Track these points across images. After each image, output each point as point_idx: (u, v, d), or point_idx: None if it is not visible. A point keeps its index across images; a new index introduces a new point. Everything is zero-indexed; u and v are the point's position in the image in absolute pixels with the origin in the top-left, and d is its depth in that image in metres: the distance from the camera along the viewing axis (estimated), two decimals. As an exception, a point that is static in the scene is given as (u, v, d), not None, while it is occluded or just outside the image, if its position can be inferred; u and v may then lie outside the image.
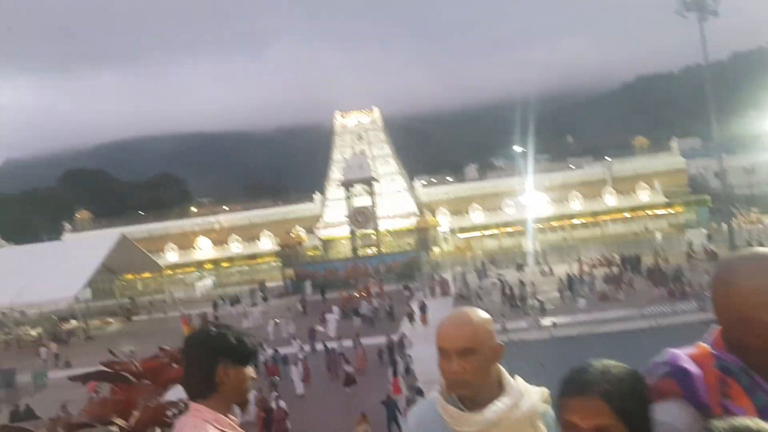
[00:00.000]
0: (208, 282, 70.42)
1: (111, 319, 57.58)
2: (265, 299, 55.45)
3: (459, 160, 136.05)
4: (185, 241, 77.32)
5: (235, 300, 56.32)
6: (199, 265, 75.69)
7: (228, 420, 2.48)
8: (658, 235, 62.57)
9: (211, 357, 2.45)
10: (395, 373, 26.76)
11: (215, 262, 75.50)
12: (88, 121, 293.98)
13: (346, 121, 79.33)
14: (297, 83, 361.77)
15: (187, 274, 75.17)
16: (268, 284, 63.14)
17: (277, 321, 41.80)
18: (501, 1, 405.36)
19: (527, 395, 2.46)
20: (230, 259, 75.75)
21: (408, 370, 26.70)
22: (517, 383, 2.49)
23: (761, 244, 47.05)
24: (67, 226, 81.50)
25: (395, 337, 32.46)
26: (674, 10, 34.60)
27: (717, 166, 74.98)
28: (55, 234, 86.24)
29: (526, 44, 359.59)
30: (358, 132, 78.62)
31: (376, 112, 79.64)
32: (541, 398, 2.49)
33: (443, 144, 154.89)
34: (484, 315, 2.46)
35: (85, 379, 3.59)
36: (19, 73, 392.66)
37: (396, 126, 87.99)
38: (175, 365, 3.47)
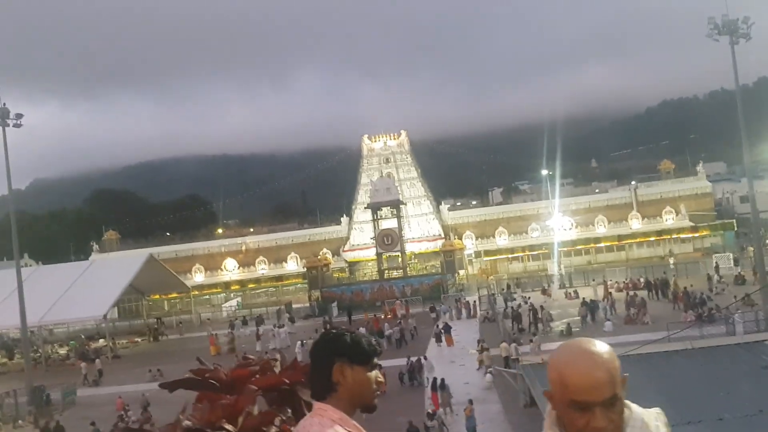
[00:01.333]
0: (234, 303, 70.86)
1: (138, 339, 58.11)
2: (291, 320, 55.69)
3: (484, 183, 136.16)
4: (212, 262, 78.03)
5: (259, 320, 56.61)
6: (225, 286, 76.31)
7: (353, 422, 2.46)
8: (671, 260, 61.97)
9: (328, 356, 2.50)
10: (434, 389, 27.24)
11: (242, 283, 76.06)
12: (116, 143, 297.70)
13: (374, 145, 80.00)
14: (323, 107, 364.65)
15: (214, 294, 75.81)
16: (295, 306, 63.46)
17: (304, 342, 41.95)
18: (525, 27, 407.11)
19: (652, 427, 2.07)
20: (257, 281, 76.26)
21: (443, 386, 27.09)
22: (634, 412, 2.05)
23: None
24: (95, 246, 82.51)
25: (414, 359, 32.57)
26: (706, 33, 34.61)
27: (743, 190, 74.59)
28: (82, 254, 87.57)
29: (550, 69, 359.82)
30: (386, 155, 79.24)
31: (404, 136, 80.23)
32: (664, 424, 2.12)
33: (468, 168, 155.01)
34: (607, 346, 1.99)
35: (173, 386, 3.64)
36: (46, 93, 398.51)
37: (422, 150, 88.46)
38: (259, 375, 3.58)
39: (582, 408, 1.89)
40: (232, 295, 74.56)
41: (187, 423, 3.18)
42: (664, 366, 19.67)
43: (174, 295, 71.77)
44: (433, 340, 40.92)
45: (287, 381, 3.37)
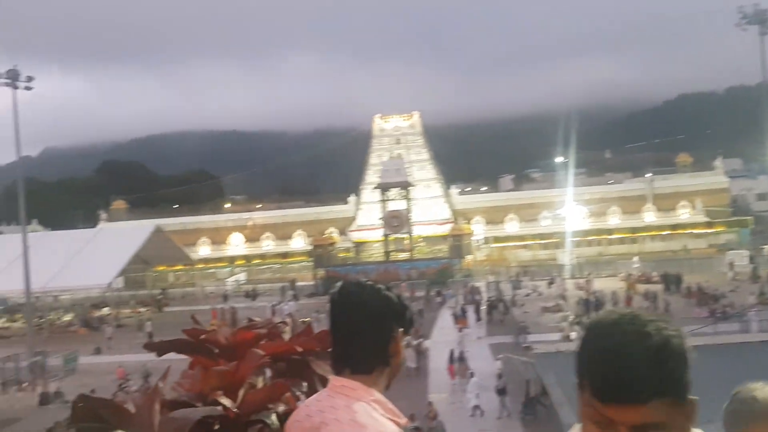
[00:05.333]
0: (239, 277, 70.49)
1: (142, 309, 57.68)
2: (295, 297, 55.19)
3: (495, 170, 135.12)
4: (218, 236, 77.59)
5: (251, 295, 56.33)
6: (230, 260, 75.95)
7: (391, 405, 1.92)
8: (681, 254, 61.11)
9: (388, 320, 1.96)
10: (452, 361, 27.89)
11: (247, 258, 75.70)
12: (125, 115, 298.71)
13: (385, 125, 79.18)
14: (330, 88, 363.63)
15: (219, 268, 75.43)
16: (299, 283, 62.89)
17: (307, 320, 41.35)
18: (541, 15, 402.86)
19: None
20: (262, 256, 75.83)
21: (462, 358, 27.74)
22: None
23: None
24: (103, 215, 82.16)
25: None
26: (734, 22, 33.84)
27: (759, 188, 73.55)
28: (90, 223, 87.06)
29: (565, 58, 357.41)
30: (397, 136, 78.45)
31: (416, 117, 79.32)
32: None
33: (480, 153, 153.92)
34: None
35: (161, 348, 2.89)
36: (58, 65, 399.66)
37: (433, 133, 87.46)
38: (265, 341, 2.84)
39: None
40: (237, 269, 74.22)
41: (172, 394, 2.55)
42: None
43: (179, 267, 71.42)
44: (449, 320, 40.86)
45: (299, 349, 2.78)
